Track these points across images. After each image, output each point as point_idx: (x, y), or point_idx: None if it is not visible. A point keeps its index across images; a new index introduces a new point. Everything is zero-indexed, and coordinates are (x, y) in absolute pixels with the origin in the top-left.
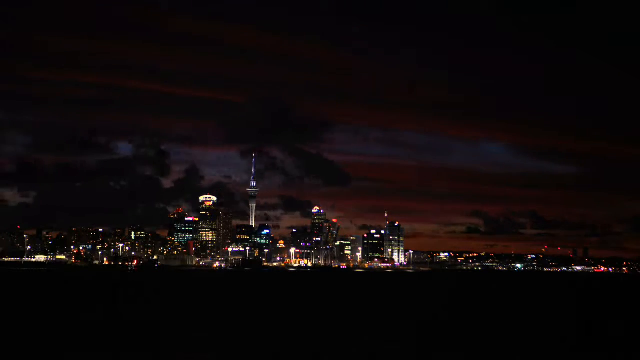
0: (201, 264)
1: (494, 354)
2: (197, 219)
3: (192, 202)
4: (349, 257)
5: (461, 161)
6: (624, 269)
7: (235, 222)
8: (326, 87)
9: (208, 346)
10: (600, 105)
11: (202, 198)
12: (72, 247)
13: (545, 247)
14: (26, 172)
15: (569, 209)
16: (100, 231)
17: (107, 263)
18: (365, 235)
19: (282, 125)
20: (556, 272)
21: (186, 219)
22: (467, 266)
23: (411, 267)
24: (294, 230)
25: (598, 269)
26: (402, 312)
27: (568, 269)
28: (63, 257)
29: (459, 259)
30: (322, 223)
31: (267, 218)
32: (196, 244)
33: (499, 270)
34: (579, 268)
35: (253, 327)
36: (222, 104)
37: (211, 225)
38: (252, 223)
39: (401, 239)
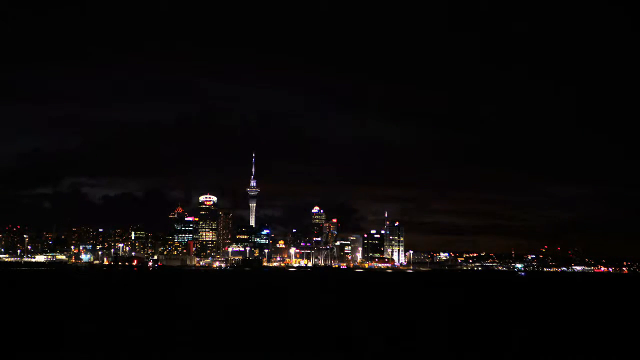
0: (201, 264)
1: None
2: (197, 219)
3: (192, 202)
4: (349, 257)
5: None
6: (624, 269)
7: (235, 222)
8: None
9: None
10: None
11: (202, 198)
12: (72, 247)
13: (546, 247)
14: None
15: None
16: (100, 231)
17: (107, 263)
18: (365, 235)
19: None
20: (556, 272)
21: (186, 219)
22: (466, 266)
23: (411, 267)
24: (294, 230)
25: (598, 269)
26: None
27: (568, 269)
28: (63, 257)
29: (459, 259)
30: (322, 223)
31: None
32: (196, 244)
33: (500, 270)
34: (579, 268)
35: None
36: None
37: (211, 225)
38: (252, 223)
39: (401, 239)
